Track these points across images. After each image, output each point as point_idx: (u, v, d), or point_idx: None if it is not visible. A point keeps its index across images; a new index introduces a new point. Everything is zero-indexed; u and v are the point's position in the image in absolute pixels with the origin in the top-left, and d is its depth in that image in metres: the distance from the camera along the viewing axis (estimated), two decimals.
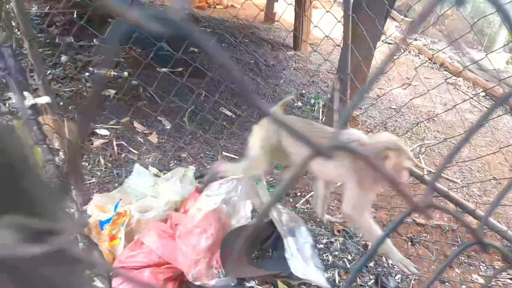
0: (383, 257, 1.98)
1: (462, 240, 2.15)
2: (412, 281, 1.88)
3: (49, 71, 3.18)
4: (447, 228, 2.20)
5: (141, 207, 1.65)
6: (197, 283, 1.37)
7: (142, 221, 1.59)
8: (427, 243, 2.10)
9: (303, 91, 3.74)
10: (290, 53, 4.73)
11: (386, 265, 1.94)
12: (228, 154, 2.68)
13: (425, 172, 2.70)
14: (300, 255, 1.49)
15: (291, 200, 2.35)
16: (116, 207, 1.56)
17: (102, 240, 1.49)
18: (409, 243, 2.10)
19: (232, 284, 1.44)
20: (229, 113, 3.19)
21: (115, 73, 3.41)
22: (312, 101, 3.50)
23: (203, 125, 2.97)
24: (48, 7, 4.46)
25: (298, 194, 2.41)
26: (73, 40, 3.80)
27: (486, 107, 3.97)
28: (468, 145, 3.08)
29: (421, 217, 2.25)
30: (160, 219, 1.62)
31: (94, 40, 3.95)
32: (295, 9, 4.30)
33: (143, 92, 3.24)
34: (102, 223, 1.52)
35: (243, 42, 4.61)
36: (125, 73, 3.40)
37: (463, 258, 2.06)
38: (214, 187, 1.61)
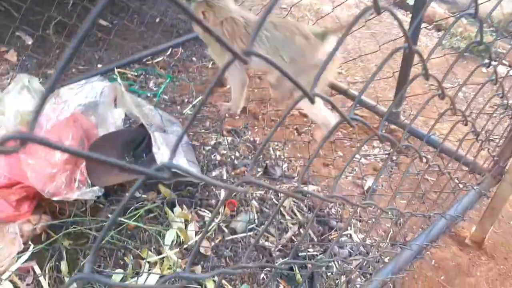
0: (271, 149, 2.01)
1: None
2: (298, 168, 1.95)
3: None
4: None
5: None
6: (56, 198, 1.24)
7: None
8: (311, 132, 2.16)
9: None
10: None
11: (273, 156, 1.97)
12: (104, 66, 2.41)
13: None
14: (169, 150, 1.40)
15: (178, 107, 2.23)
16: None
17: None
18: (295, 133, 2.14)
19: (100, 194, 1.33)
20: (104, 23, 2.83)
21: None
22: None
23: (73, 37, 2.60)
24: None
25: (186, 100, 2.29)
26: None
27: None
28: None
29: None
30: None
31: None
32: None
33: None
34: None
35: None
36: None
37: (345, 141, 2.16)
38: (68, 91, 1.41)
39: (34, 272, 1.21)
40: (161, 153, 1.35)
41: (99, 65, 2.43)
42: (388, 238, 1.64)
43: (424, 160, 0.89)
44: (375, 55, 2.63)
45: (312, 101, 0.48)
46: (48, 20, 2.41)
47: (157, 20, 3.01)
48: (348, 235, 1.63)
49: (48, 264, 1.27)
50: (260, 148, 0.54)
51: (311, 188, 1.81)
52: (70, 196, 1.26)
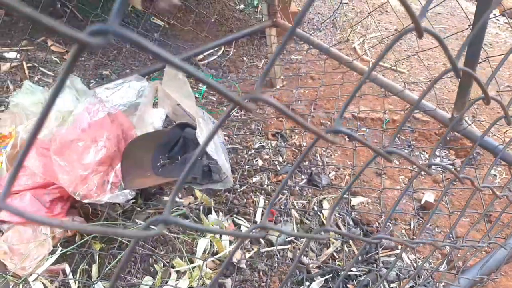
0: (318, 155, 1.87)
1: (405, 131, 2.04)
2: (347, 176, 1.79)
3: None
4: (388, 119, 2.07)
5: (31, 126, 1.45)
6: (87, 201, 1.23)
7: None
8: (365, 137, 1.99)
9: None
10: None
11: (320, 163, 1.83)
12: None
13: (370, 66, 2.52)
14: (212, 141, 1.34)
15: (225, 109, 2.18)
16: None
17: None
18: (347, 138, 1.98)
19: (130, 197, 1.31)
20: (161, 23, 2.87)
21: None
22: (255, 2, 3.17)
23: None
24: None
25: None
26: None
27: None
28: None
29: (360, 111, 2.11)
30: (52, 137, 1.43)
31: None
32: None
33: (61, 8, 2.87)
34: None
35: None
36: None
37: (403, 148, 1.96)
38: (104, 91, 1.40)
39: (65, 275, 1.21)
40: (203, 138, 1.29)
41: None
42: (445, 262, 1.44)
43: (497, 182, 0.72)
44: (442, 52, 2.37)
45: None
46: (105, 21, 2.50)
47: (213, 19, 3.00)
48: (398, 255, 1.45)
49: (80, 267, 1.28)
50: (302, 155, 0.45)
51: (359, 200, 1.65)
52: (101, 199, 1.25)
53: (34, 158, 1.24)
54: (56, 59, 2.40)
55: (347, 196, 1.60)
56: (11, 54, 2.36)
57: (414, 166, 1.80)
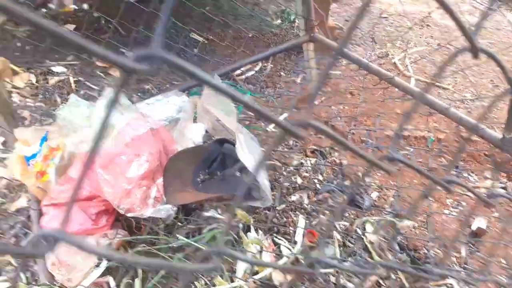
0: (360, 174, 1.81)
1: (451, 149, 1.95)
2: (391, 198, 1.72)
3: None
4: (432, 138, 1.99)
5: (78, 139, 1.48)
6: (130, 215, 1.23)
7: (77, 154, 1.43)
8: (409, 156, 1.91)
9: (284, 8, 3.39)
10: None
11: (362, 183, 1.77)
12: None
13: (413, 82, 2.44)
14: (250, 154, 1.31)
15: (263, 124, 2.16)
16: (42, 141, 1.40)
17: (28, 177, 1.35)
18: None
19: (171, 213, 1.30)
20: (200, 39, 2.91)
21: (75, 6, 3.12)
22: (292, 17, 3.17)
23: (170, 52, 2.71)
24: None
25: None
26: None
27: (491, 8, 3.54)
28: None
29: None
30: None
31: None
32: None
33: (106, 24, 2.97)
34: (28, 159, 1.37)
35: None
36: (85, 6, 3.10)
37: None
38: (146, 107, 1.42)
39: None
40: (243, 153, 1.28)
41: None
42: None
43: None
44: (490, 67, 2.27)
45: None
46: (149, 37, 2.56)
47: (250, 34, 3.02)
48: (449, 285, 1.37)
49: (123, 281, 1.28)
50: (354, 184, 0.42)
51: (405, 223, 1.58)
52: (144, 213, 1.25)
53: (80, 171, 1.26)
54: (101, 73, 2.47)
55: (393, 219, 1.53)
56: (59, 69, 2.45)
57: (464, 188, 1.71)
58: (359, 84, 2.46)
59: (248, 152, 1.30)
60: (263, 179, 1.45)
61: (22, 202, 1.56)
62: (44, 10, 3.05)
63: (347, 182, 1.78)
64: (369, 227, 1.55)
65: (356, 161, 1.89)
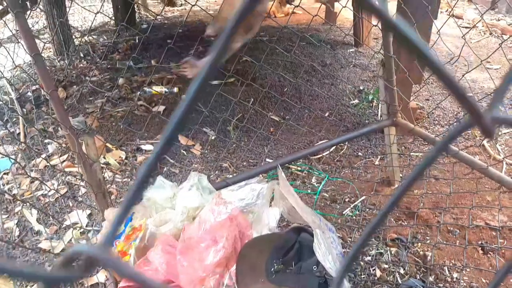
0: (446, 270, 1.63)
1: None
2: None
3: (105, 94, 3.35)
4: None
5: (159, 220, 1.56)
6: None
7: (157, 235, 1.50)
8: (503, 251, 1.69)
9: (361, 88, 3.43)
10: (351, 50, 4.43)
11: (449, 279, 1.59)
12: (270, 161, 2.51)
13: (504, 166, 2.24)
14: (328, 253, 1.25)
15: (338, 206, 2.10)
16: (128, 221, 1.50)
17: None
18: (480, 251, 1.71)
19: None
20: (276, 118, 3.03)
21: (166, 90, 3.48)
22: (370, 97, 3.18)
23: (249, 132, 2.85)
24: (115, 37, 4.78)
25: (347, 199, 2.15)
26: (132, 63, 4.00)
27: None
28: None
29: (495, 219, 1.83)
30: (177, 231, 1.51)
31: (152, 62, 4.12)
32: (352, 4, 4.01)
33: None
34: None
35: (300, 45, 4.43)
36: (175, 89, 3.45)
37: None
38: (228, 192, 1.46)
39: None
40: (321, 252, 1.23)
41: (267, 160, 2.56)
42: None
43: None
44: None
45: None
46: (229, 116, 2.73)
47: (326, 114, 3.07)
48: None
49: None
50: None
51: None
52: None
53: (160, 255, 1.31)
54: (184, 152, 2.66)
55: None
56: (148, 147, 2.69)
57: None
58: (444, 167, 2.32)
59: (325, 248, 1.26)
60: (345, 281, 1.37)
61: (100, 277, 1.65)
62: (139, 93, 3.44)
63: (431, 278, 1.61)
64: None
65: (442, 253, 1.72)
